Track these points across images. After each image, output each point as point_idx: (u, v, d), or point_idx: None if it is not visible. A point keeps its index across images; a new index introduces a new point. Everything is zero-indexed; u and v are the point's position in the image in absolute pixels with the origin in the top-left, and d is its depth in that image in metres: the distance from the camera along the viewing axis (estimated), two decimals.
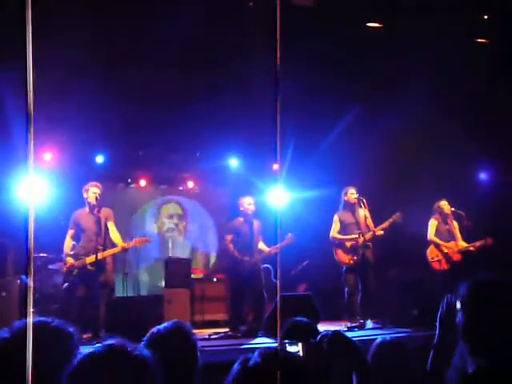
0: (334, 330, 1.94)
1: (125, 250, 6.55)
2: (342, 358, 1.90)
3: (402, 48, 7.55)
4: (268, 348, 1.66)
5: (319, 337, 1.92)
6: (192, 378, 2.31)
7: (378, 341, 2.86)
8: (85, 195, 6.58)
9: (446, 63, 7.71)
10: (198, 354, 2.39)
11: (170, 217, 10.72)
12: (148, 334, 2.39)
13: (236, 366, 1.58)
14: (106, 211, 6.64)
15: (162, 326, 2.41)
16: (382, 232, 7.40)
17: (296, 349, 1.89)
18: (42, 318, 1.86)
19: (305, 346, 1.89)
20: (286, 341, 1.92)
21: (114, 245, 6.53)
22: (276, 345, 1.72)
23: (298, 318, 3.06)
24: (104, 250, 6.42)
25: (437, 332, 2.30)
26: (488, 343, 1.81)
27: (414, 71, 7.59)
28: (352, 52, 7.79)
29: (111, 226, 6.60)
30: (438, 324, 2.30)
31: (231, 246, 7.25)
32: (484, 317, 1.83)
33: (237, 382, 1.54)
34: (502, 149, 8.92)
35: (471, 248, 7.69)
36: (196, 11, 6.53)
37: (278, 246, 7.08)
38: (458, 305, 1.93)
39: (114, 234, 6.57)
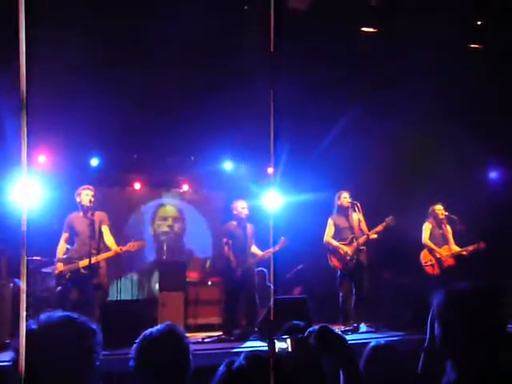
0: (321, 325, 1.94)
1: (118, 254, 6.52)
2: (329, 353, 1.91)
3: (397, 50, 7.58)
4: (254, 351, 1.66)
5: (307, 332, 1.92)
6: (183, 381, 2.31)
7: (371, 344, 2.87)
8: (78, 199, 6.55)
9: (442, 66, 7.74)
10: (190, 357, 2.39)
11: (164, 219, 10.70)
12: (140, 337, 2.39)
13: (221, 368, 1.58)
14: (100, 215, 6.62)
15: (154, 329, 2.41)
16: (375, 236, 7.42)
17: (284, 345, 1.90)
18: (67, 313, 1.86)
19: (293, 342, 1.90)
20: (275, 337, 1.93)
21: (108, 249, 6.51)
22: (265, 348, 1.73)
23: (296, 322, 3.06)
24: (98, 253, 6.40)
25: (427, 336, 2.30)
26: (464, 351, 1.81)
27: (409, 75, 7.61)
28: (348, 55, 7.81)
29: (105, 229, 6.58)
30: (428, 328, 2.30)
31: (226, 249, 7.25)
32: (458, 326, 1.83)
33: (222, 383, 1.55)
34: (500, 151, 8.95)
35: (464, 252, 7.71)
36: (191, 15, 6.54)
37: (271, 249, 7.08)
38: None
39: (108, 238, 6.55)
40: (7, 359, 1.78)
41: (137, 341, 2.39)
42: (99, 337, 1.86)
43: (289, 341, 1.90)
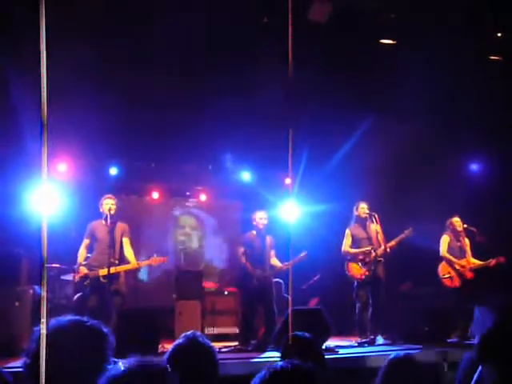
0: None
1: (136, 269, 6.65)
2: None
3: (413, 63, 7.55)
4: (276, 365, 1.65)
5: None
6: None
7: (390, 357, 2.85)
8: (101, 209, 6.66)
9: (457, 78, 7.72)
10: (218, 366, 2.39)
11: (183, 228, 10.73)
12: (170, 349, 2.39)
13: (262, 372, 1.59)
14: (121, 226, 6.74)
15: (181, 340, 2.40)
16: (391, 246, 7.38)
17: None
18: (77, 317, 1.87)
19: None
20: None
21: (127, 260, 6.60)
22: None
23: (299, 333, 3.05)
24: (119, 263, 6.49)
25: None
26: None
27: (428, 87, 7.58)
28: (364, 68, 7.80)
29: (126, 242, 6.68)
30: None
31: (243, 259, 7.25)
32: None
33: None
34: None
35: (484, 266, 7.61)
36: (212, 21, 6.61)
37: (290, 262, 7.06)
38: None
39: (128, 251, 6.65)
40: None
41: (167, 352, 2.39)
42: (110, 339, 1.87)
43: None
